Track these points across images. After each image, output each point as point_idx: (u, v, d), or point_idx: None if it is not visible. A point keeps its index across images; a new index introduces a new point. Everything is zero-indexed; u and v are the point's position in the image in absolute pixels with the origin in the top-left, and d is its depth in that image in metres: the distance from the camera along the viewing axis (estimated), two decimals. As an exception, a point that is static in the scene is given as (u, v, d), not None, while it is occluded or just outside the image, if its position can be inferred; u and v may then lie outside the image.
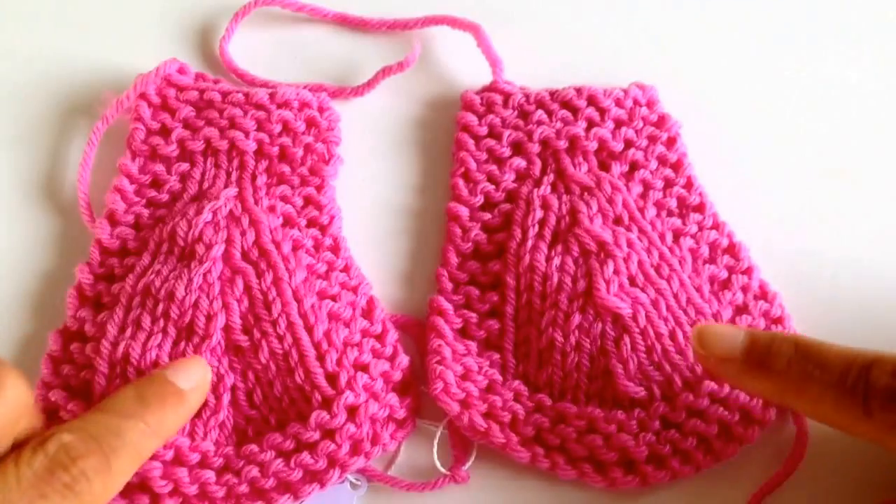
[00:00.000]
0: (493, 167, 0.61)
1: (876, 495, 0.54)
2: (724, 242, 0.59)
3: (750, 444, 0.55)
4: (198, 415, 0.55)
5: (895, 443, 0.45)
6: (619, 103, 0.61)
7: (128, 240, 0.59)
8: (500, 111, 0.62)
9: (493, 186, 0.60)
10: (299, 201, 0.60)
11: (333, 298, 0.58)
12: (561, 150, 0.60)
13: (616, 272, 0.56)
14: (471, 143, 0.62)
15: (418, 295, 0.60)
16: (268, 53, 0.66)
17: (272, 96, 0.61)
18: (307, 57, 0.66)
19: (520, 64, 0.64)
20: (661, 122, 0.61)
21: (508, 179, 0.61)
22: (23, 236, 0.61)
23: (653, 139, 0.61)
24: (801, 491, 0.55)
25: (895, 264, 0.60)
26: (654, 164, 0.61)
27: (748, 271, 0.58)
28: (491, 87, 0.63)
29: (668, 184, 0.60)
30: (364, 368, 0.56)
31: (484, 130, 0.62)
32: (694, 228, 0.59)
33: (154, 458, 0.53)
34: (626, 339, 0.55)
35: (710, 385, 0.55)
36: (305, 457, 0.54)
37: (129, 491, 0.53)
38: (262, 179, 0.60)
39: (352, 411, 0.54)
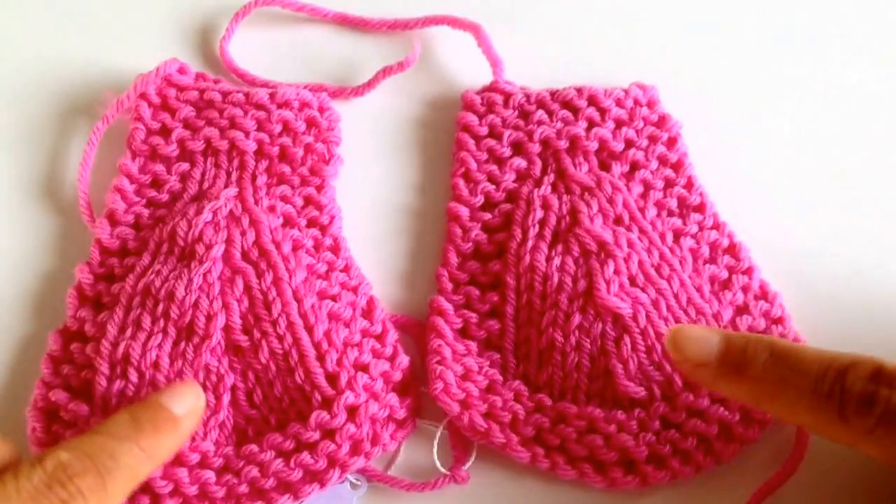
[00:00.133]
0: (494, 167, 0.61)
1: (875, 496, 0.54)
2: (725, 242, 0.59)
3: (751, 444, 0.55)
4: (198, 415, 0.55)
5: (871, 447, 0.45)
6: (619, 103, 0.61)
7: (128, 240, 0.59)
8: (500, 111, 0.62)
9: (494, 186, 0.60)
10: (299, 201, 0.60)
11: (333, 298, 0.58)
12: (561, 150, 0.60)
13: (616, 272, 0.56)
14: (471, 143, 0.62)
15: (418, 295, 0.60)
16: (268, 53, 0.66)
17: (272, 96, 0.61)
18: (307, 57, 0.66)
19: (520, 64, 0.64)
20: (662, 122, 0.61)
21: (509, 179, 0.61)
22: (23, 236, 0.61)
23: (653, 139, 0.61)
24: (802, 491, 0.55)
25: (895, 264, 0.61)
26: (654, 164, 0.61)
27: (748, 271, 0.58)
28: (491, 87, 0.63)
29: (669, 184, 0.60)
30: (364, 368, 0.56)
31: (484, 130, 0.62)
32: (694, 228, 0.59)
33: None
34: (627, 339, 0.55)
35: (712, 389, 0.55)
36: (305, 457, 0.54)
37: (130, 490, 0.53)
38: (262, 179, 0.60)
39: (352, 411, 0.54)
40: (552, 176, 0.60)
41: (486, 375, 0.56)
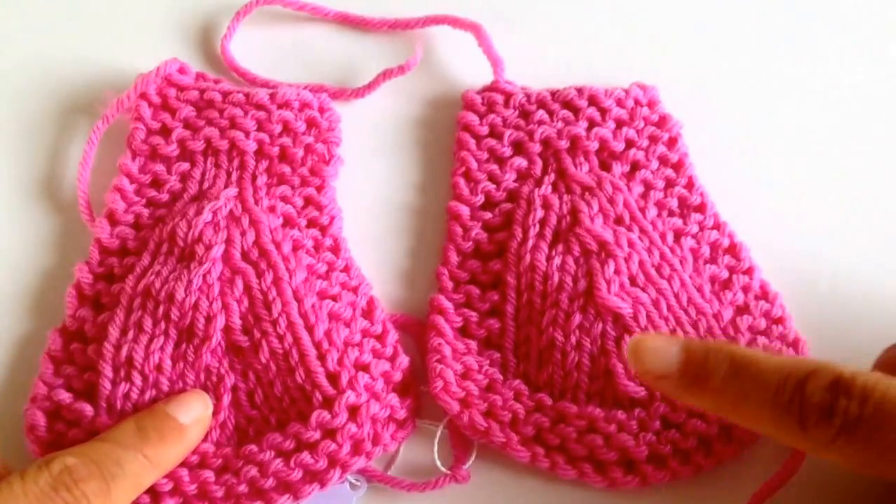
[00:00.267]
0: (494, 167, 0.61)
1: (875, 498, 0.54)
2: (725, 242, 0.59)
3: (751, 445, 0.55)
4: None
5: (833, 456, 0.45)
6: (620, 103, 0.61)
7: (127, 239, 0.59)
8: (501, 111, 0.62)
9: (494, 186, 0.60)
10: (299, 202, 0.60)
11: (334, 298, 0.58)
12: (562, 150, 0.60)
13: (617, 272, 0.56)
14: (472, 142, 0.62)
15: (419, 294, 0.60)
16: (269, 52, 0.66)
17: (273, 96, 0.61)
18: (308, 56, 0.66)
19: (521, 64, 0.64)
20: (663, 122, 0.61)
21: (509, 179, 0.61)
22: (22, 235, 0.61)
23: (654, 139, 0.61)
24: (802, 492, 0.55)
25: (895, 264, 0.61)
26: (655, 164, 0.61)
27: (749, 271, 0.58)
28: (492, 87, 0.63)
29: (670, 184, 0.60)
30: (365, 368, 0.56)
31: (485, 130, 0.62)
32: (695, 228, 0.59)
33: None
34: (627, 338, 0.55)
35: None
36: (306, 456, 0.54)
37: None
38: (262, 179, 0.60)
39: (353, 411, 0.54)
40: (553, 176, 0.60)
41: (487, 374, 0.56)
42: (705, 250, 0.59)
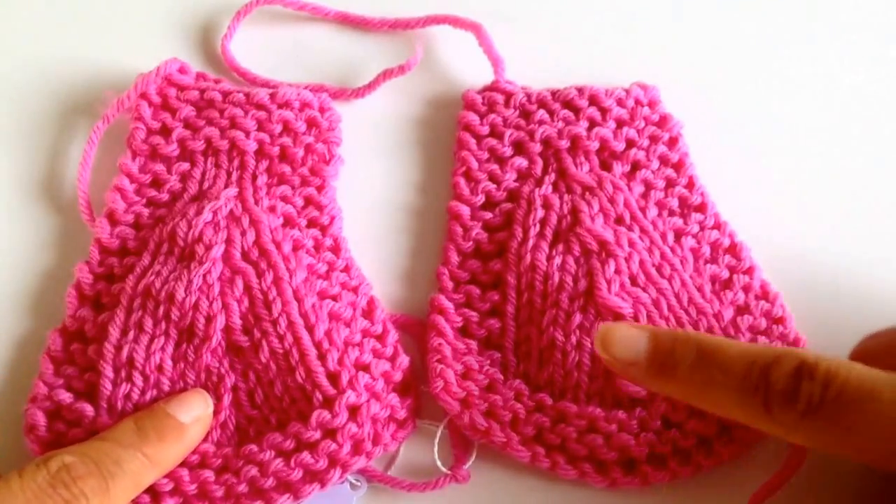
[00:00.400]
0: (495, 166, 0.61)
1: (876, 499, 0.54)
2: (726, 242, 0.59)
3: (752, 445, 0.55)
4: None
5: (799, 438, 0.46)
6: (620, 103, 0.61)
7: (127, 239, 0.59)
8: (501, 111, 0.62)
9: (495, 186, 0.60)
10: (300, 201, 0.60)
11: (334, 298, 0.58)
12: (562, 150, 0.60)
13: (617, 272, 0.56)
14: (472, 142, 0.61)
15: (419, 294, 0.60)
16: (269, 52, 0.66)
17: (273, 96, 0.61)
18: (308, 56, 0.66)
19: (521, 63, 0.64)
20: (663, 122, 0.61)
21: (510, 179, 0.61)
22: (22, 235, 0.61)
23: (654, 139, 0.61)
24: (802, 492, 0.54)
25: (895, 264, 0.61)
26: (655, 164, 0.61)
27: (749, 271, 0.58)
28: (492, 87, 0.63)
29: (670, 184, 0.60)
30: (365, 368, 0.56)
31: (485, 130, 0.62)
32: (695, 228, 0.59)
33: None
34: None
35: None
36: (306, 456, 0.53)
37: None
38: (262, 179, 0.60)
39: (353, 411, 0.54)
40: (553, 175, 0.60)
41: (487, 374, 0.56)
42: (706, 250, 0.59)
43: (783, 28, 0.67)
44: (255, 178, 0.60)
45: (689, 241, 0.59)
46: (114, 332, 0.55)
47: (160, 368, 0.55)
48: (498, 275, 0.58)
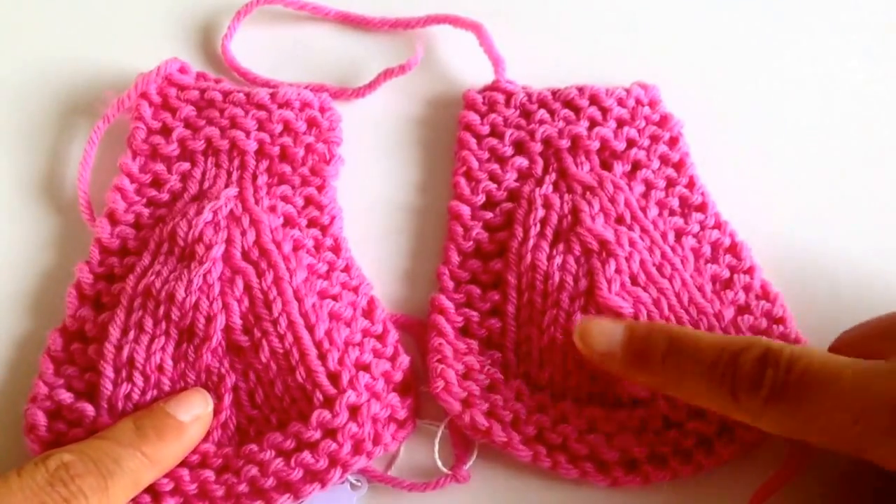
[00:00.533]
0: (495, 166, 0.61)
1: (877, 498, 0.54)
2: (727, 242, 0.59)
3: (753, 445, 0.54)
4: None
5: (764, 424, 0.48)
6: (621, 103, 0.61)
7: (128, 239, 0.59)
8: (502, 110, 0.62)
9: (495, 185, 0.60)
10: (300, 201, 0.60)
11: (334, 298, 0.58)
12: (563, 150, 0.60)
13: (618, 271, 0.56)
14: (473, 141, 0.61)
15: (420, 293, 0.60)
16: (270, 52, 0.66)
17: (273, 96, 0.61)
18: (309, 55, 0.66)
19: (522, 63, 0.64)
20: (664, 121, 0.61)
21: (510, 178, 0.61)
22: (23, 234, 0.61)
23: (655, 139, 0.61)
24: (804, 491, 0.54)
25: (896, 263, 0.61)
26: (656, 164, 0.61)
27: (750, 271, 0.58)
28: (493, 87, 0.63)
29: (671, 183, 0.60)
30: (365, 368, 0.56)
31: (486, 129, 0.62)
32: (696, 228, 0.59)
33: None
34: None
35: None
36: (306, 456, 0.53)
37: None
38: (262, 179, 0.60)
39: (353, 410, 0.54)
40: (554, 175, 0.60)
41: (488, 374, 0.56)
42: (706, 250, 0.59)
43: (783, 27, 0.67)
44: (255, 177, 0.60)
45: (689, 241, 0.59)
46: (114, 332, 0.55)
47: (160, 368, 0.55)
48: (498, 275, 0.58)
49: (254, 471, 0.53)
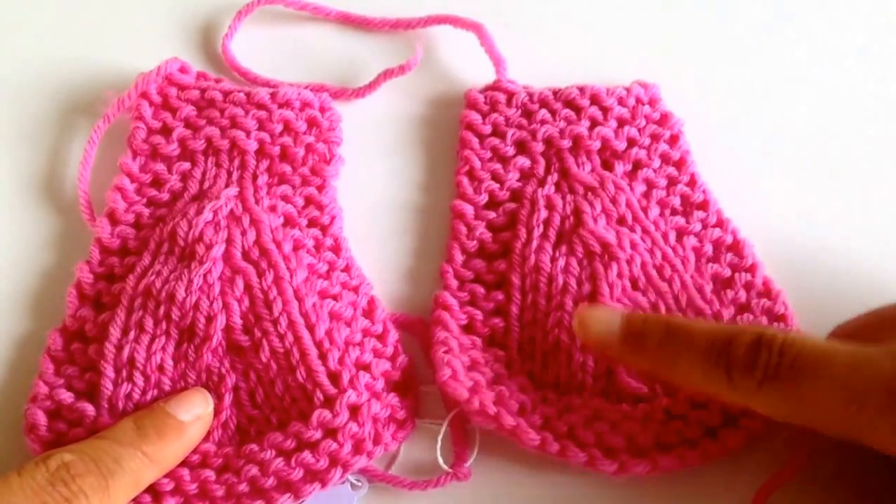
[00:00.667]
0: (498, 166, 0.61)
1: (879, 496, 0.54)
2: (729, 239, 0.59)
3: (757, 434, 0.54)
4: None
5: (759, 406, 0.48)
6: (621, 102, 0.61)
7: (128, 239, 0.59)
8: (503, 110, 0.62)
9: (498, 185, 0.60)
10: (300, 201, 0.60)
11: (335, 298, 0.57)
12: (564, 150, 0.61)
13: (619, 275, 0.57)
14: (475, 141, 0.61)
15: (422, 292, 0.60)
16: (270, 52, 0.66)
17: (273, 96, 0.61)
18: (309, 55, 0.66)
19: (522, 63, 0.64)
20: (664, 119, 0.61)
21: (512, 178, 0.61)
22: (23, 234, 0.61)
23: (656, 137, 0.61)
24: (807, 486, 0.54)
25: (897, 262, 0.61)
26: (657, 163, 0.61)
27: (752, 268, 0.58)
28: (494, 86, 0.63)
29: (672, 182, 0.60)
30: (366, 368, 0.56)
31: (488, 129, 0.62)
32: (698, 227, 0.59)
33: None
34: None
35: None
36: (307, 456, 0.53)
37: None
38: (263, 179, 0.60)
39: (354, 410, 0.54)
40: (556, 175, 0.60)
41: (492, 368, 0.56)
42: (708, 248, 0.59)
43: (783, 24, 0.68)
44: (255, 177, 0.60)
45: (691, 241, 0.59)
46: (114, 332, 0.55)
47: (161, 368, 0.55)
48: (502, 275, 0.58)
49: (254, 470, 0.53)
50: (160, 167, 0.61)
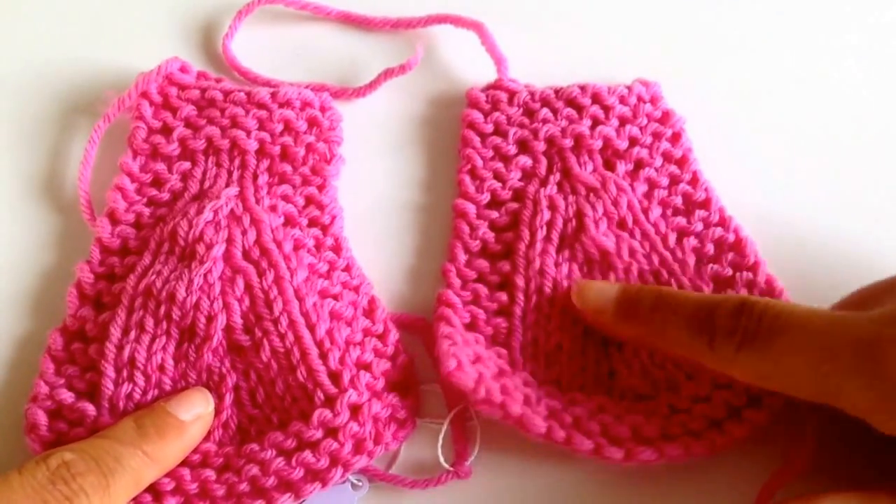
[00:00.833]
0: (500, 165, 0.61)
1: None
2: (731, 238, 0.58)
3: (759, 427, 0.54)
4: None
5: (737, 372, 0.50)
6: (623, 100, 0.61)
7: (128, 239, 0.59)
8: (505, 109, 0.62)
9: (500, 184, 0.60)
10: (301, 201, 0.60)
11: (335, 298, 0.57)
12: (566, 149, 0.60)
13: (617, 282, 0.57)
14: (477, 140, 0.61)
15: (424, 291, 0.60)
16: (271, 51, 0.66)
17: (274, 95, 0.61)
18: (310, 55, 0.66)
19: (524, 61, 0.64)
20: (666, 118, 0.61)
21: (514, 178, 0.61)
22: (23, 234, 0.61)
23: (657, 136, 0.61)
24: (813, 486, 0.54)
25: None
26: (658, 161, 0.61)
27: (754, 267, 0.58)
28: (496, 85, 0.63)
29: (674, 181, 0.60)
30: (366, 367, 0.56)
31: (490, 128, 0.62)
32: (699, 226, 0.59)
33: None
34: (629, 343, 0.56)
35: (712, 374, 0.54)
36: (307, 455, 0.53)
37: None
38: (263, 179, 0.60)
39: (355, 410, 0.54)
40: (558, 175, 0.60)
41: (496, 363, 0.56)
42: (710, 248, 0.58)
43: (784, 22, 0.68)
44: (255, 177, 0.60)
45: (691, 242, 0.59)
46: (115, 332, 0.55)
47: (162, 368, 0.55)
48: (506, 276, 0.58)
49: (255, 470, 0.53)
50: (160, 167, 0.61)
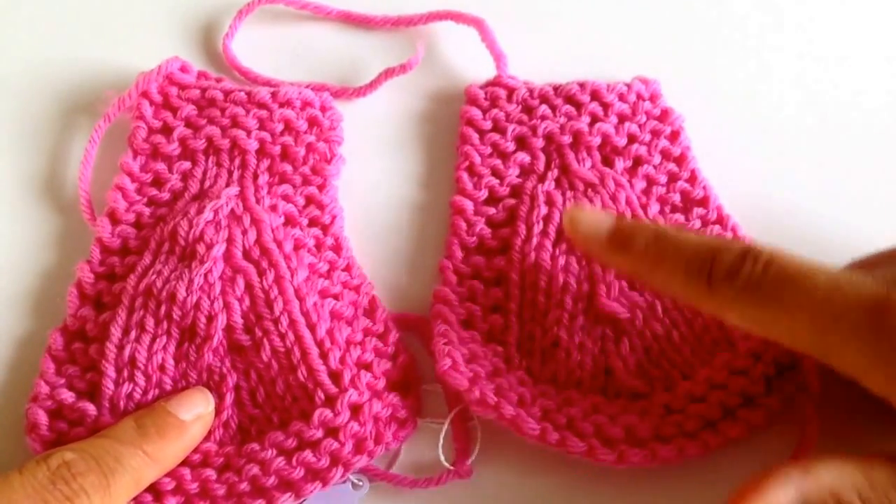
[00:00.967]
0: (498, 161, 0.61)
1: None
2: (729, 236, 0.58)
3: (756, 427, 0.54)
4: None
5: (733, 316, 0.49)
6: (622, 98, 0.61)
7: (129, 238, 0.59)
8: (504, 106, 0.62)
9: (498, 181, 0.60)
10: (301, 201, 0.60)
11: (335, 297, 0.57)
12: (565, 146, 0.60)
13: (617, 276, 0.57)
14: (475, 136, 0.61)
15: (423, 288, 0.59)
16: (271, 51, 0.66)
17: (274, 95, 0.61)
18: (311, 54, 0.66)
19: (523, 58, 0.64)
20: (665, 116, 0.61)
21: (512, 174, 0.60)
22: (23, 234, 0.61)
23: (656, 133, 0.61)
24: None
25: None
26: (657, 159, 0.60)
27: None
28: (495, 82, 0.63)
29: (672, 178, 0.60)
30: (367, 367, 0.56)
31: (488, 125, 0.62)
32: (698, 223, 0.59)
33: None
34: (626, 340, 0.56)
35: (708, 373, 0.54)
36: (308, 455, 0.53)
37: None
38: (263, 178, 0.60)
39: (355, 409, 0.54)
40: (556, 171, 0.60)
41: (492, 362, 0.56)
42: (709, 245, 0.58)
43: (784, 20, 0.68)
44: (256, 177, 0.60)
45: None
46: (115, 332, 0.55)
47: (162, 368, 0.55)
48: (501, 272, 0.58)
49: (255, 470, 0.53)
50: (161, 166, 0.61)
